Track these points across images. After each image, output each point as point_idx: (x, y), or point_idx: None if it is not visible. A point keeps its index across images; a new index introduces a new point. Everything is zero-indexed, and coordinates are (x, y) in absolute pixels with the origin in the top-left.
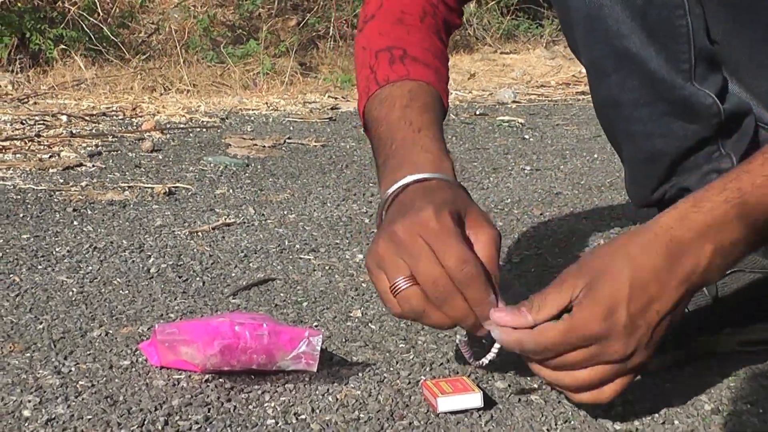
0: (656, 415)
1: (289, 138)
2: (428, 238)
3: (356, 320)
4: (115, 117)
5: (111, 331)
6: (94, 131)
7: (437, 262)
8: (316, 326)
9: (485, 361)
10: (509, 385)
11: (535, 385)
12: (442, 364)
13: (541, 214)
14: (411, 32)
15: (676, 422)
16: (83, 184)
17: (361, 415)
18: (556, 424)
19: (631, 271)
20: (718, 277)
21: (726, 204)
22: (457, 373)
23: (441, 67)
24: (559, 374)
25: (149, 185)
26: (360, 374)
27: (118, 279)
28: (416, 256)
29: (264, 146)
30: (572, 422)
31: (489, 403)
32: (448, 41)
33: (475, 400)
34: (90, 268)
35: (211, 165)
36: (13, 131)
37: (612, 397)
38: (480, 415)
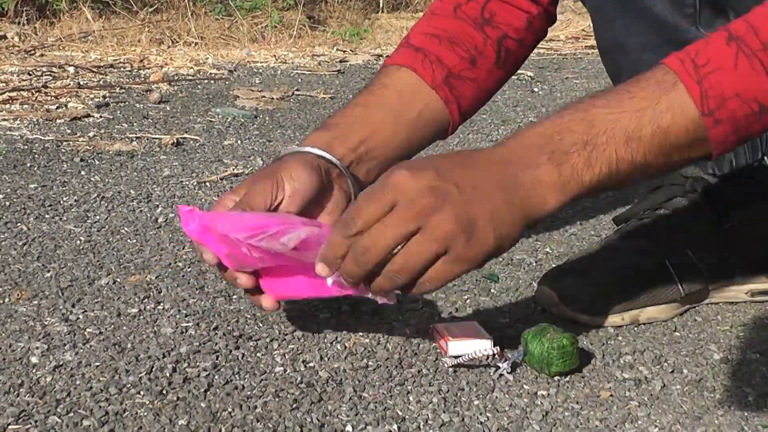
0: (665, 363)
1: (297, 90)
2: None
3: None
4: (122, 69)
5: (119, 280)
6: (101, 83)
7: None
8: None
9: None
10: (518, 334)
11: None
12: (450, 313)
13: None
14: (431, 19)
15: (685, 371)
16: (91, 134)
17: (370, 363)
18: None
19: (453, 155)
20: (555, 193)
21: (560, 118)
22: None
23: (445, 51)
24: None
25: (157, 136)
26: (368, 323)
27: (125, 228)
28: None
29: (272, 98)
30: (581, 371)
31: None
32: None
33: (485, 345)
34: (98, 217)
35: (219, 116)
36: (20, 82)
37: (431, 282)
38: (488, 363)
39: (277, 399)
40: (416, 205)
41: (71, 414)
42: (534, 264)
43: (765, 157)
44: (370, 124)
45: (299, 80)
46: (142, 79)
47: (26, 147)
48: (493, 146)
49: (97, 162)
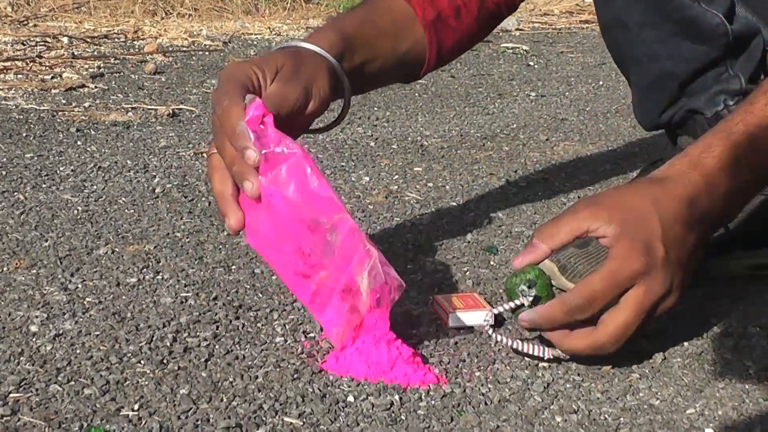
0: (666, 336)
1: None
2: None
3: None
4: (116, 39)
5: (117, 249)
6: (95, 53)
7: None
8: None
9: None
10: (519, 305)
11: None
12: (450, 284)
13: (547, 140)
14: None
15: (686, 344)
16: (86, 104)
17: None
18: None
19: (658, 211)
20: (736, 214)
21: (735, 149)
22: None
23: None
24: (607, 331)
25: (153, 107)
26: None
27: (123, 198)
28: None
29: None
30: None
31: (499, 321)
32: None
33: (485, 317)
34: (95, 187)
35: (215, 87)
36: (14, 52)
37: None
38: (490, 334)
39: (278, 369)
40: (652, 298)
41: (72, 383)
42: None
43: None
44: (374, 49)
45: None
46: (137, 50)
47: (21, 117)
48: (671, 182)
49: (93, 132)
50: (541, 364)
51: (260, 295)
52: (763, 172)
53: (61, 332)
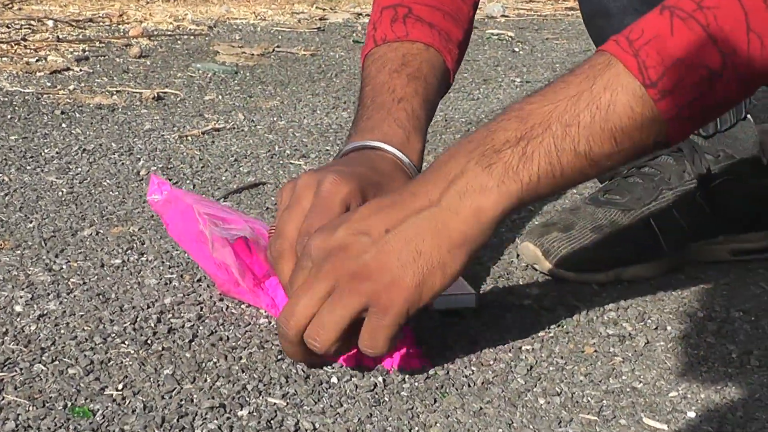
0: (649, 320)
1: (277, 47)
2: (296, 198)
3: None
4: (101, 23)
5: (102, 231)
6: (80, 37)
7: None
8: None
9: None
10: (502, 289)
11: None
12: None
13: None
14: None
15: (669, 328)
16: (71, 87)
17: None
18: (549, 328)
19: (367, 206)
20: (489, 195)
21: (493, 122)
22: None
23: (453, 28)
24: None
25: (137, 90)
26: None
27: (107, 180)
28: (281, 207)
29: (253, 54)
30: (565, 326)
31: (482, 304)
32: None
33: (469, 300)
34: (79, 169)
35: (200, 72)
36: None
37: (366, 347)
38: (473, 317)
39: (262, 350)
40: (325, 265)
41: (56, 362)
42: (517, 221)
43: (748, 115)
44: (426, 120)
45: (279, 37)
46: (122, 33)
47: (6, 99)
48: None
49: (77, 115)
50: (524, 346)
51: None
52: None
53: (45, 312)
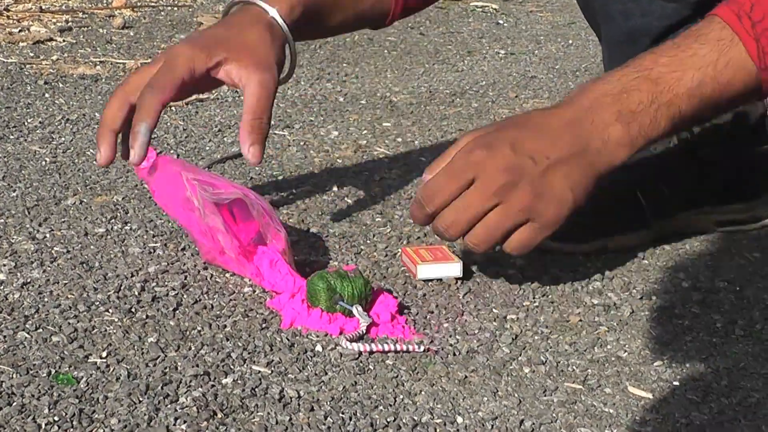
0: (634, 290)
1: None
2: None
3: (332, 194)
4: None
5: (85, 200)
6: (63, 7)
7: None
8: (291, 199)
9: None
10: (487, 259)
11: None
12: (419, 237)
13: (516, 97)
14: None
15: (654, 298)
16: (54, 58)
17: None
18: (534, 297)
19: (520, 121)
20: (624, 149)
21: (625, 76)
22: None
23: None
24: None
25: (121, 61)
26: (337, 246)
27: (91, 150)
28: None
29: None
30: (550, 296)
31: (467, 273)
32: None
33: (454, 269)
34: (63, 139)
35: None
36: None
37: (516, 249)
38: (458, 287)
39: (246, 319)
40: (496, 183)
41: (40, 330)
42: None
43: None
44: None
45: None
46: (105, 4)
47: None
48: (559, 105)
49: (61, 85)
50: (509, 316)
51: None
52: (660, 110)
53: (29, 281)
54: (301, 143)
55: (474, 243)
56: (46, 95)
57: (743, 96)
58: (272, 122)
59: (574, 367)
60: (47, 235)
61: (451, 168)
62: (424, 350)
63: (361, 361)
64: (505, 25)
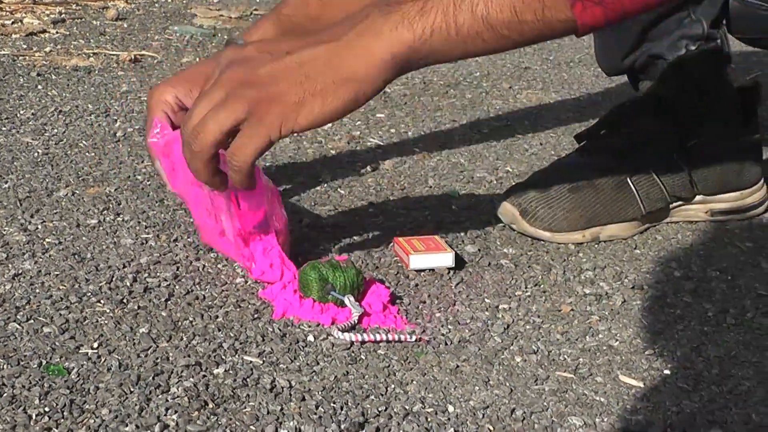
0: (626, 280)
1: (255, 10)
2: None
3: (325, 185)
4: None
5: (78, 192)
6: None
7: None
8: (284, 190)
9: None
10: (479, 249)
11: (507, 251)
12: (411, 228)
13: (509, 88)
14: None
15: (646, 287)
16: (47, 49)
17: None
18: (526, 287)
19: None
20: (399, 42)
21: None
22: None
23: None
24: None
25: (114, 52)
26: (329, 236)
27: (84, 142)
28: None
29: (230, 17)
30: (542, 286)
31: (460, 264)
32: None
33: (446, 259)
34: (55, 130)
35: (177, 34)
36: None
37: (232, 155)
38: (450, 277)
39: (238, 309)
40: (226, 73)
41: (31, 321)
42: (494, 182)
43: (729, 76)
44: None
45: (257, 0)
46: None
47: None
48: None
49: (54, 77)
50: (501, 305)
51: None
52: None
53: (20, 272)
54: (294, 134)
55: (193, 142)
56: (39, 87)
57: None
58: None
59: (565, 356)
60: (39, 227)
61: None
62: (415, 340)
63: (352, 351)
64: None
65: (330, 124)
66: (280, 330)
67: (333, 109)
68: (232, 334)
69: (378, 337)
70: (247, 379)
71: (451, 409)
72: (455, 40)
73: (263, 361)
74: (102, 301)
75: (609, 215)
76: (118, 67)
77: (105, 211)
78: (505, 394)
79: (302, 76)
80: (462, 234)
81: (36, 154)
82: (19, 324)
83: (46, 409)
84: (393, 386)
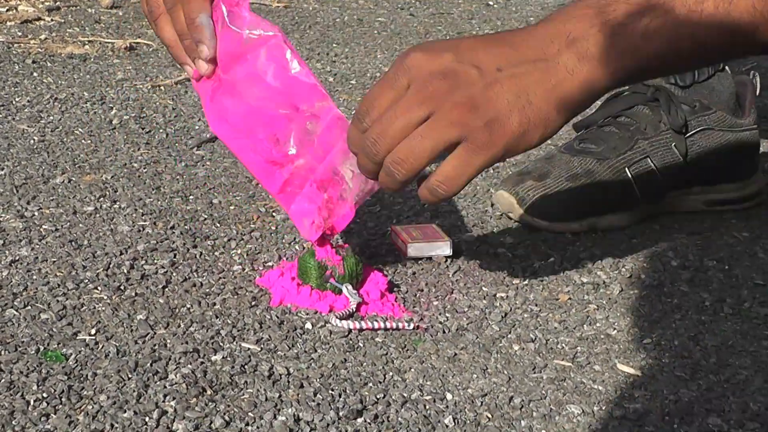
0: (623, 269)
1: None
2: None
3: None
4: None
5: (74, 179)
6: None
7: None
8: None
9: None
10: (477, 238)
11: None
12: (408, 216)
13: None
14: None
15: (643, 276)
16: (42, 37)
17: None
18: (523, 276)
19: (483, 36)
20: (602, 68)
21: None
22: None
23: None
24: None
25: (110, 40)
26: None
27: (80, 129)
28: None
29: None
30: (539, 274)
31: (457, 252)
32: None
33: (444, 247)
34: (51, 118)
35: None
36: None
37: (442, 180)
38: (448, 265)
39: (235, 296)
40: (428, 89)
41: (28, 307)
42: (491, 171)
43: (726, 67)
44: None
45: None
46: None
47: None
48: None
49: (49, 64)
50: (498, 294)
51: (218, 225)
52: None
53: (17, 258)
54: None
55: (395, 164)
56: (35, 74)
57: (756, 20)
58: None
59: (563, 345)
60: (36, 214)
61: (386, 74)
62: (413, 328)
63: (350, 339)
64: (495, 6)
65: None
66: (277, 317)
67: (552, 134)
68: (229, 321)
69: (376, 325)
70: (245, 366)
71: (449, 396)
72: (668, 66)
73: (261, 348)
74: (99, 288)
75: (606, 204)
76: (114, 54)
77: (101, 199)
78: (503, 382)
79: (524, 101)
80: (459, 223)
81: (32, 142)
82: (16, 310)
83: (44, 395)
84: (391, 374)
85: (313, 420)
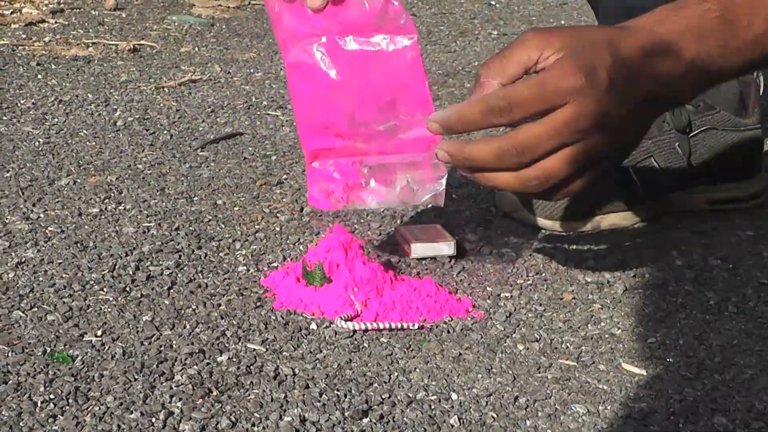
0: (627, 268)
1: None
2: None
3: None
4: None
5: (79, 180)
6: None
7: None
8: (285, 179)
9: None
10: (481, 238)
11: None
12: (412, 217)
13: None
14: None
15: (647, 276)
16: (46, 39)
17: None
18: (527, 275)
19: (611, 46)
20: (689, 93)
21: (706, 13)
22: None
23: None
24: (521, 172)
25: (113, 42)
26: (330, 225)
27: (84, 131)
28: None
29: (228, 6)
30: (543, 274)
31: (461, 252)
32: None
33: (448, 247)
34: (56, 120)
35: (176, 24)
36: None
37: (565, 194)
38: (452, 265)
39: (240, 297)
40: (587, 122)
41: (35, 309)
42: None
43: None
44: None
45: None
46: None
47: None
48: (634, 30)
49: (53, 66)
50: (503, 294)
51: (222, 226)
52: (731, 50)
53: (23, 260)
54: (294, 123)
55: (535, 178)
56: (39, 76)
57: None
58: (265, 103)
59: (567, 344)
60: (41, 215)
61: (544, 86)
62: (418, 328)
63: (355, 339)
64: (498, 5)
65: None
66: (282, 318)
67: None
68: (235, 322)
69: (381, 325)
70: (251, 367)
71: (454, 396)
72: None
73: (266, 349)
74: (105, 290)
75: (610, 204)
76: (117, 56)
77: (107, 200)
78: (508, 381)
79: (643, 131)
80: (463, 222)
81: (37, 144)
82: (23, 312)
83: (51, 396)
84: (396, 374)
85: (318, 420)
